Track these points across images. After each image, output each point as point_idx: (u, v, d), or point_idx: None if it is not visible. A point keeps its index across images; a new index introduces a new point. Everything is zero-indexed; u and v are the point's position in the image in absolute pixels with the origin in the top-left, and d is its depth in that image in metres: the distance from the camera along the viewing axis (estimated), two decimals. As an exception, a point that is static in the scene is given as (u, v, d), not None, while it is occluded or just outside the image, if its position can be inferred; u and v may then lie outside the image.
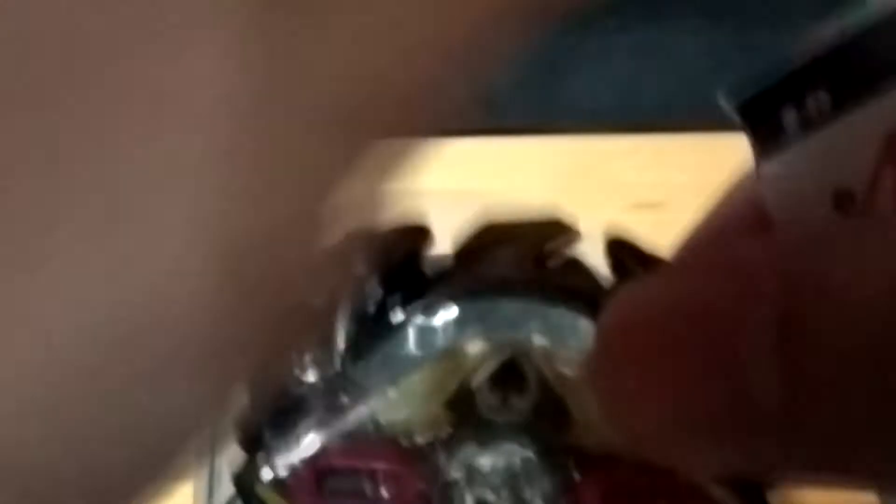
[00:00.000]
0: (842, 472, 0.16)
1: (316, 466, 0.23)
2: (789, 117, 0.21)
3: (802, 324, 0.17)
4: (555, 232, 0.24)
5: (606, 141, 0.38)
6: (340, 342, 0.24)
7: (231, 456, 0.25)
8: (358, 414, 0.24)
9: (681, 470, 0.22)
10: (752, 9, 0.40)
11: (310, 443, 0.24)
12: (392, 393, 0.24)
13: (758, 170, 0.21)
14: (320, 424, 0.24)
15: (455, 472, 0.24)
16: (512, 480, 0.24)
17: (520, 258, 0.25)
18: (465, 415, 0.24)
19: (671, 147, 0.38)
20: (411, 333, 0.24)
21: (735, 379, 0.18)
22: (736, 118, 0.19)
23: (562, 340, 0.24)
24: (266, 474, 0.23)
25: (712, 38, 0.40)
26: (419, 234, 0.25)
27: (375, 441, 0.24)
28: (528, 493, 0.24)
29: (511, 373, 0.24)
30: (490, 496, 0.24)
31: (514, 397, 0.24)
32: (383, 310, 0.24)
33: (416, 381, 0.24)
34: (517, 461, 0.24)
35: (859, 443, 0.16)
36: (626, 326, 0.19)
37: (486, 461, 0.24)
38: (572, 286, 0.25)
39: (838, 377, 0.15)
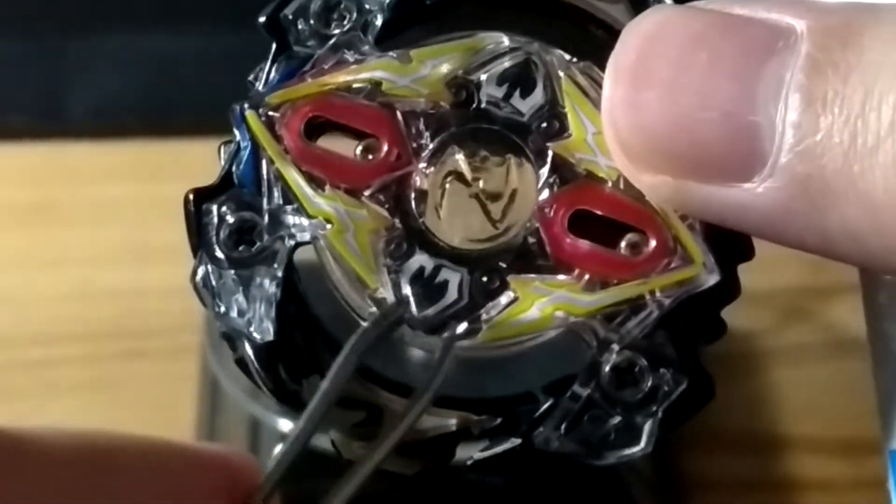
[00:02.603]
0: None
1: (308, 112, 0.23)
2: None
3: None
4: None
5: None
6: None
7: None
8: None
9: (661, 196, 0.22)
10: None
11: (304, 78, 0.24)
12: (403, 57, 0.23)
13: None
14: (320, 70, 0.24)
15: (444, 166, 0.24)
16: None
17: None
18: (464, 102, 0.24)
19: None
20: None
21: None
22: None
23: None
24: (256, 104, 0.23)
25: None
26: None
27: (373, 104, 0.24)
28: (505, 190, 0.24)
29: (521, 76, 0.24)
30: (469, 187, 0.24)
31: (517, 96, 0.24)
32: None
33: (431, 52, 0.24)
34: (503, 160, 0.24)
35: None
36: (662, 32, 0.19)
37: (469, 159, 0.24)
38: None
39: None
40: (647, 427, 0.23)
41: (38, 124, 0.58)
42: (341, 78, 0.24)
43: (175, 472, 0.15)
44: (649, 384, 0.23)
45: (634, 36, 0.21)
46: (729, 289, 0.23)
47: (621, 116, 0.21)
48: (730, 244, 0.23)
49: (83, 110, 0.58)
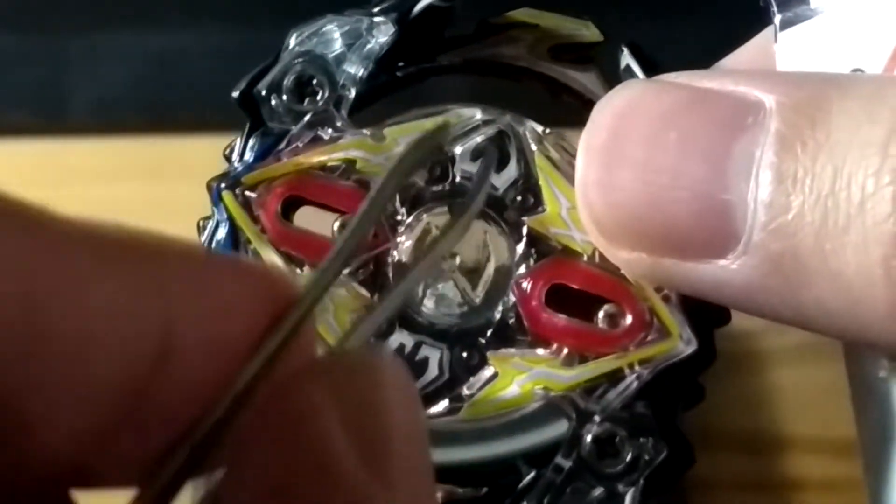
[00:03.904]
0: None
1: (284, 192, 0.23)
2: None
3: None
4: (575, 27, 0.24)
5: None
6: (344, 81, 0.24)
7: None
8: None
9: (635, 272, 0.22)
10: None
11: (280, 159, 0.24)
12: (377, 135, 0.24)
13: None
14: (295, 148, 0.24)
15: (418, 231, 0.24)
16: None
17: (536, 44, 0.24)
18: (439, 177, 0.24)
19: None
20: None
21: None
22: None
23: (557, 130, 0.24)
24: (232, 184, 0.23)
25: None
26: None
27: (348, 183, 0.24)
28: (483, 266, 0.24)
29: (494, 150, 0.24)
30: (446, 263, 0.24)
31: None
32: (393, 59, 0.24)
33: (404, 129, 0.24)
34: (480, 235, 0.24)
35: None
36: (632, 110, 0.19)
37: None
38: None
39: None
40: (629, 496, 0.23)
41: (39, 121, 0.58)
42: (316, 158, 0.24)
43: (216, 277, 0.15)
44: (630, 454, 0.23)
45: (605, 114, 0.21)
46: (706, 355, 0.23)
47: (595, 197, 0.21)
48: (706, 311, 0.23)
49: (85, 107, 0.58)
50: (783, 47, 0.23)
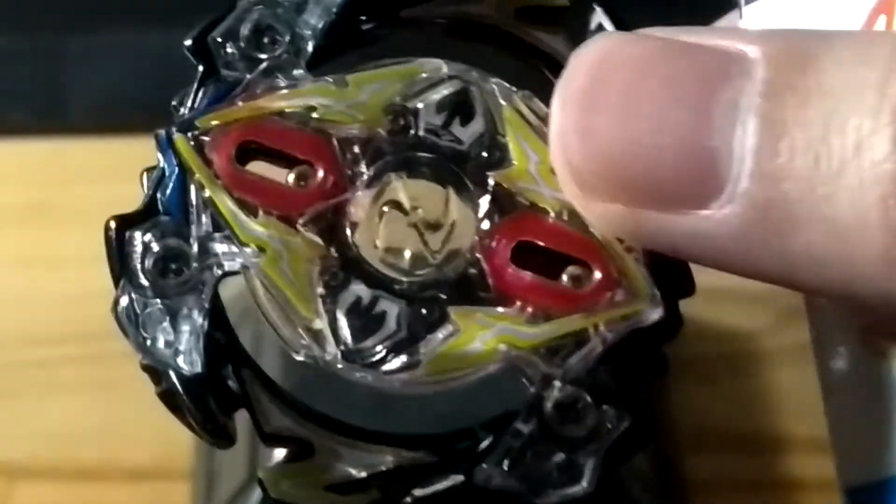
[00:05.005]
0: None
1: (239, 137, 0.23)
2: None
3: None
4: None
5: None
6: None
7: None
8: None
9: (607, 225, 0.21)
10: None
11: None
12: (339, 81, 0.23)
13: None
14: (251, 94, 0.23)
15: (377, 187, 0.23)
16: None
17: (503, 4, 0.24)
18: (402, 129, 0.23)
19: None
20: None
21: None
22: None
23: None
24: (184, 127, 0.23)
25: None
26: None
27: (307, 130, 0.23)
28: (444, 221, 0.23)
29: (461, 104, 0.23)
30: (407, 216, 0.23)
31: (456, 124, 0.23)
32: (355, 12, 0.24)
33: (368, 77, 0.23)
34: (442, 190, 0.23)
35: None
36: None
37: (407, 188, 0.23)
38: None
39: None
40: (589, 465, 0.22)
41: (39, 121, 0.58)
42: (275, 103, 0.23)
43: None
44: (592, 421, 0.22)
45: (583, 61, 0.20)
46: (671, 325, 0.23)
47: (572, 142, 0.20)
48: (671, 280, 0.22)
49: (84, 107, 0.58)
50: (748, 23, 0.22)
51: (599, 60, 0.20)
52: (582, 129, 0.20)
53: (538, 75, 0.23)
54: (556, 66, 0.22)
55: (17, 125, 0.58)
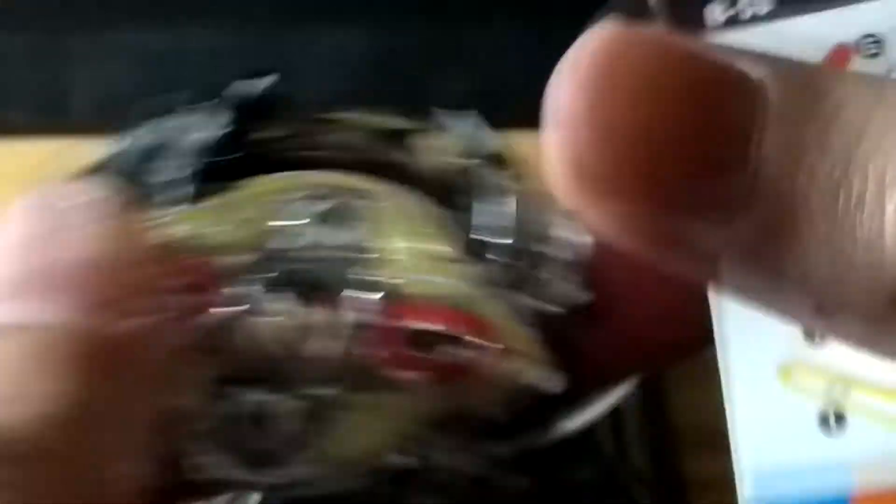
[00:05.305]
0: None
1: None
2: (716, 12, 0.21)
3: None
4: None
5: None
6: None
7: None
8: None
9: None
10: None
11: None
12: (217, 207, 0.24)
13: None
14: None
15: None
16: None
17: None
18: (280, 247, 0.24)
19: None
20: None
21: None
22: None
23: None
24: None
25: None
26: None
27: (185, 257, 0.24)
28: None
29: (334, 213, 0.25)
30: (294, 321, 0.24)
31: (329, 233, 0.24)
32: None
33: (244, 197, 0.25)
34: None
35: None
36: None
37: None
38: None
39: None
40: None
41: (39, 121, 0.59)
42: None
43: None
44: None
45: (588, 52, 0.19)
46: (563, 394, 0.24)
47: (584, 129, 0.19)
48: (564, 351, 0.24)
49: (86, 107, 0.59)
50: None
51: (605, 50, 0.19)
52: (596, 110, 0.19)
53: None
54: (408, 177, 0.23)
55: (17, 125, 0.58)
